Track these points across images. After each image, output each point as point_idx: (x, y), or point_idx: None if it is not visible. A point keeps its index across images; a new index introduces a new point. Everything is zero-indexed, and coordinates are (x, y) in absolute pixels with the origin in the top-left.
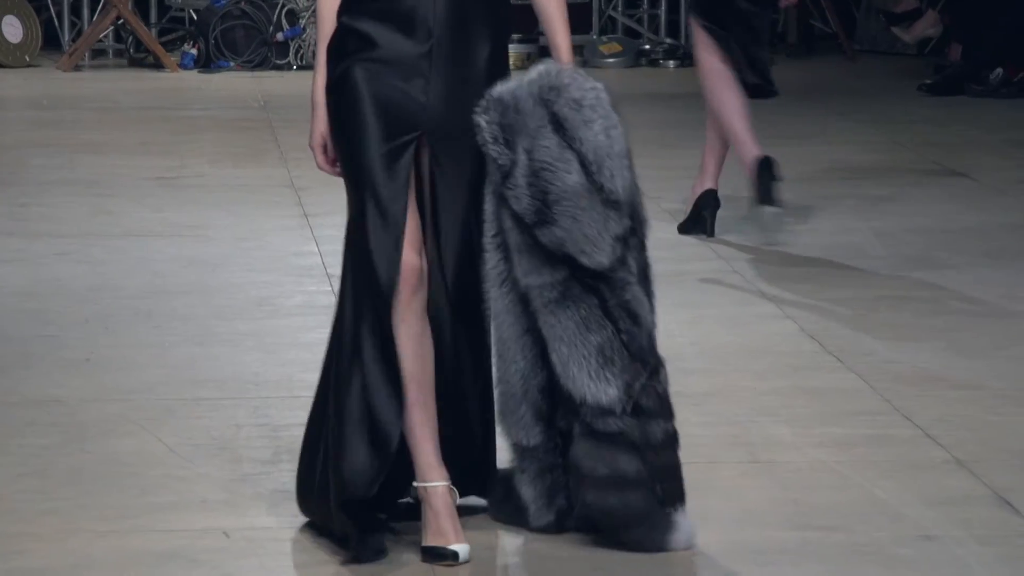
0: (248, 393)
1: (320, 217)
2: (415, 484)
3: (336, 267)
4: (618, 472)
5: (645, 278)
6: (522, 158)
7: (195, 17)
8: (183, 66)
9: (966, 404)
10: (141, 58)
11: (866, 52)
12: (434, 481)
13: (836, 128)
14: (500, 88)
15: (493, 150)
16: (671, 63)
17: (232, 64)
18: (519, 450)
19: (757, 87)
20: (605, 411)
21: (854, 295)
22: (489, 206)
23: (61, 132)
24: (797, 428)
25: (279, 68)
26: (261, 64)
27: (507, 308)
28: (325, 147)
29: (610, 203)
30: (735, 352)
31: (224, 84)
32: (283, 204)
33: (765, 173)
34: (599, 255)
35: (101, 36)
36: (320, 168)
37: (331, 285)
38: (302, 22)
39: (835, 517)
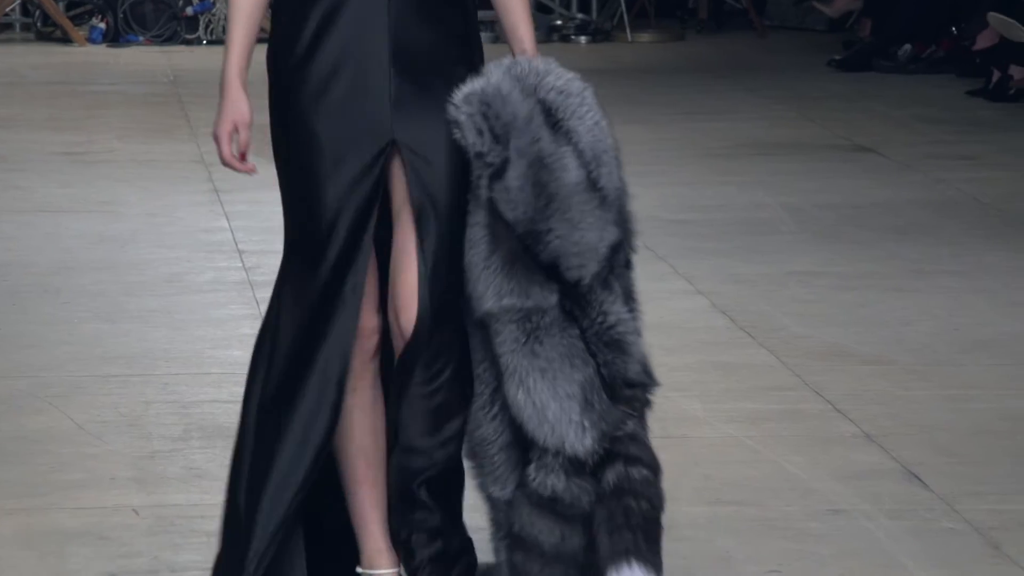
0: (158, 370)
1: (230, 193)
2: (360, 571)
3: (247, 243)
4: (558, 547)
5: (630, 297)
6: (514, 155)
7: None
8: (91, 40)
9: (875, 379)
10: (49, 32)
11: (776, 28)
12: (382, 568)
13: (747, 104)
14: (477, 80)
15: (479, 145)
16: (583, 39)
17: (141, 39)
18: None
19: None
20: (576, 464)
21: (765, 271)
22: (471, 223)
23: None
24: (709, 403)
25: (188, 43)
26: (170, 39)
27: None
28: (233, 136)
29: (606, 204)
30: (647, 328)
31: (133, 59)
32: (193, 180)
33: None
34: (591, 266)
35: (8, 9)
36: (226, 163)
37: (241, 261)
38: None
39: (746, 491)
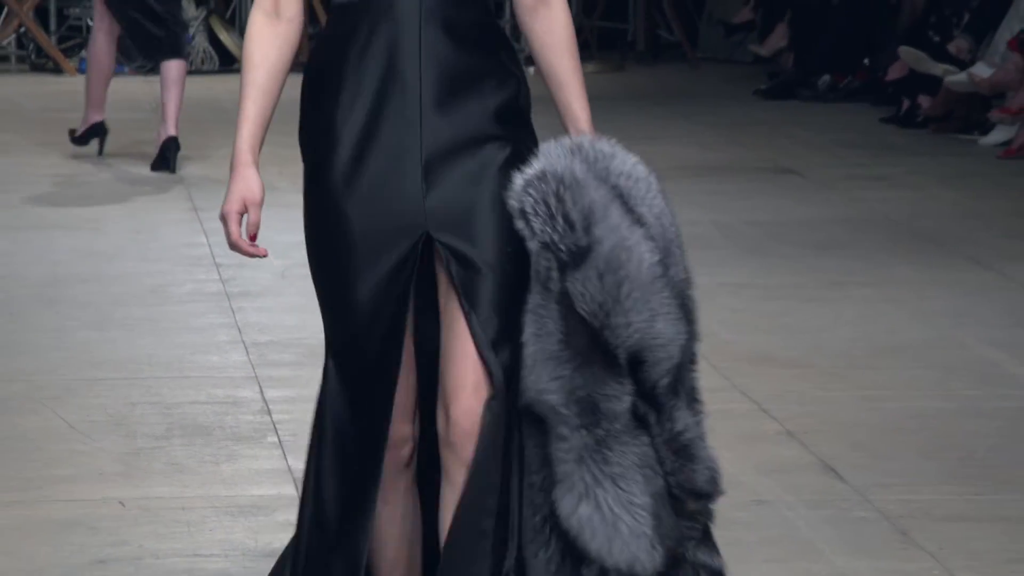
0: (142, 374)
1: (209, 211)
2: None
3: (224, 257)
4: None
5: (694, 399)
6: (594, 244)
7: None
8: (81, 71)
9: (797, 381)
10: (42, 63)
11: (708, 60)
12: None
13: (681, 129)
14: (538, 162)
15: (549, 234)
16: (531, 69)
17: (126, 69)
18: None
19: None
20: None
21: (697, 282)
22: (528, 319)
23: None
24: None
25: None
26: (153, 69)
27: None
28: (242, 216)
29: (677, 296)
30: None
31: (118, 88)
32: (174, 198)
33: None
34: (673, 359)
35: (4, 43)
36: (233, 247)
37: (219, 274)
38: (191, 31)
39: None
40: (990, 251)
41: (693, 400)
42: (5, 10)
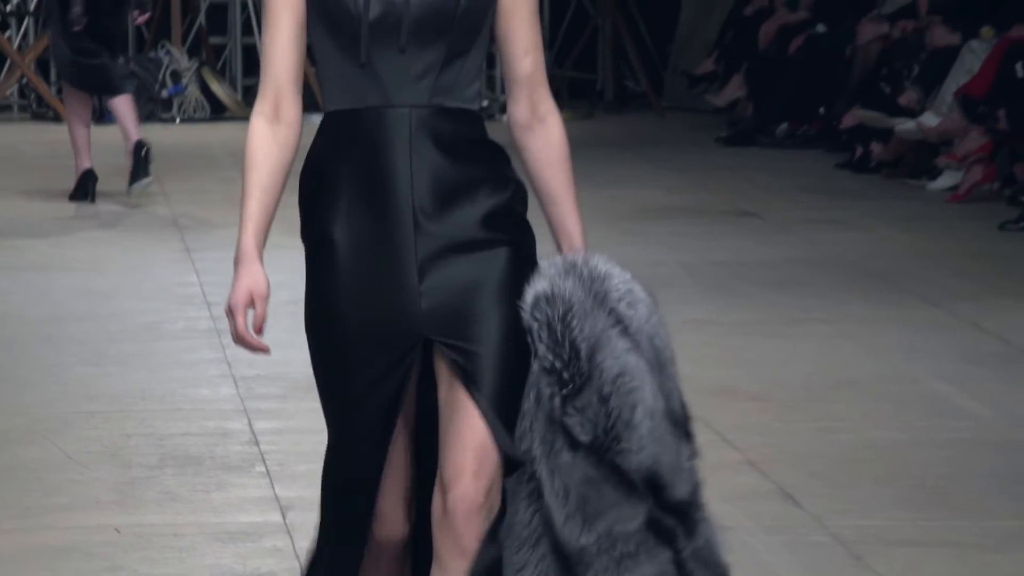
0: (136, 407)
1: (200, 252)
2: None
3: (215, 295)
4: None
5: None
6: (596, 372)
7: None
8: None
9: (758, 413)
10: (43, 112)
11: (672, 108)
12: None
13: (647, 174)
14: (540, 282)
15: (551, 360)
16: (504, 117)
17: None
18: None
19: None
20: None
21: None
22: (534, 438)
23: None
24: None
25: (164, 121)
26: (148, 118)
27: None
28: (248, 309)
29: (674, 418)
30: None
31: (115, 136)
32: (167, 240)
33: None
34: (683, 484)
35: (7, 93)
36: (238, 339)
37: (209, 312)
38: (184, 81)
39: None
40: (939, 290)
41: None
42: (8, 62)
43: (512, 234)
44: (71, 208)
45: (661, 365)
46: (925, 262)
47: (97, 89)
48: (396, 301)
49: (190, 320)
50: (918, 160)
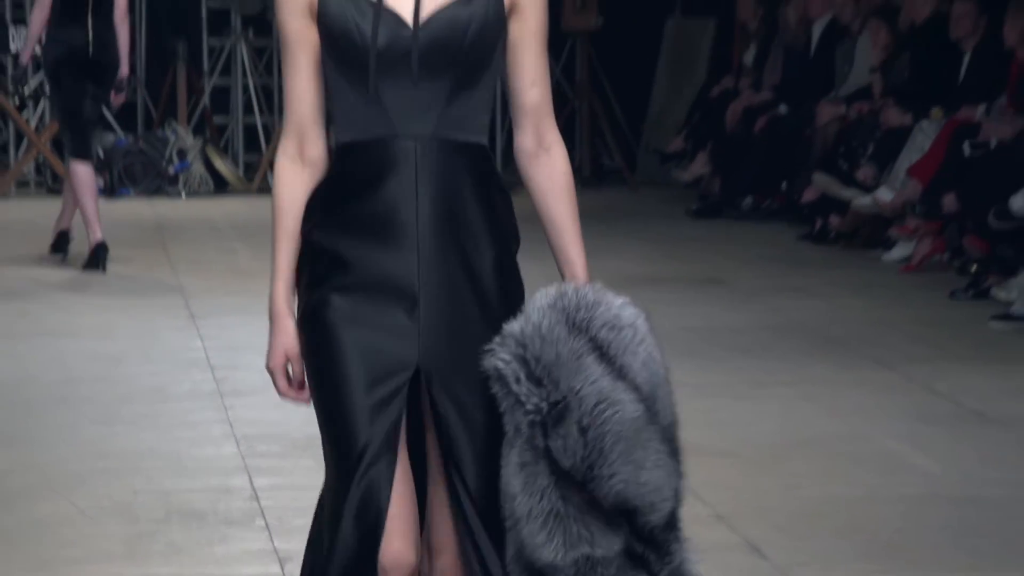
0: (144, 464)
1: (204, 318)
2: None
3: (218, 359)
4: None
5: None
6: (570, 398)
7: (102, 153)
8: None
9: (726, 469)
10: (58, 188)
11: (645, 183)
12: None
13: (622, 245)
14: (517, 320)
15: (518, 394)
16: None
17: (132, 192)
18: None
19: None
20: None
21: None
22: (513, 473)
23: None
24: None
25: (171, 196)
26: (156, 192)
27: None
28: (287, 369)
29: (667, 439)
30: None
31: (125, 208)
32: (173, 307)
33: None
34: (665, 505)
35: (24, 170)
36: (283, 396)
37: (213, 375)
38: (189, 158)
39: None
40: (894, 354)
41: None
42: (25, 141)
43: (509, 283)
44: (83, 277)
45: (654, 385)
46: (880, 328)
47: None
48: (394, 329)
49: (195, 383)
50: (873, 232)
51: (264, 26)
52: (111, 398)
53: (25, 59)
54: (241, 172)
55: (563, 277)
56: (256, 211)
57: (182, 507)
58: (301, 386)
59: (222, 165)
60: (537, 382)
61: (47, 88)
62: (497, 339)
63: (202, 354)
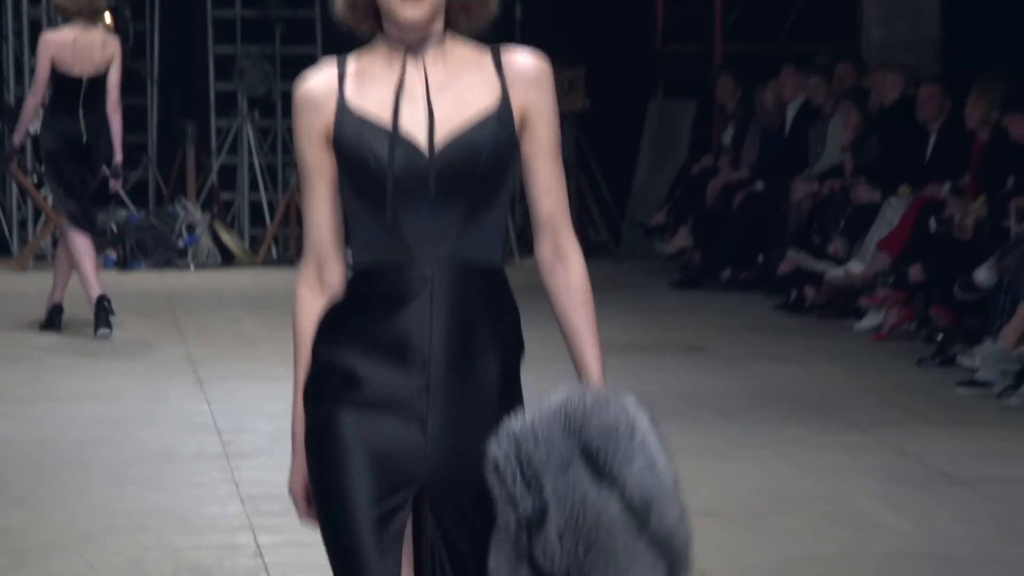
0: (153, 523)
1: (211, 383)
2: None
3: (223, 422)
4: None
5: None
6: (551, 502)
7: (115, 228)
8: (106, 266)
9: (708, 527)
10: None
11: (630, 256)
12: None
13: (608, 315)
14: (518, 421)
15: (512, 493)
16: None
17: (144, 264)
18: None
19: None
20: None
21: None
22: (499, 567)
23: (7, 321)
24: None
25: (180, 268)
26: (166, 264)
27: None
28: (309, 495)
29: (656, 541)
30: None
31: (137, 280)
32: (180, 372)
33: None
34: None
35: (42, 244)
36: (304, 519)
37: (219, 437)
38: (198, 232)
39: None
40: (866, 418)
41: None
42: (43, 216)
43: (512, 384)
44: (95, 345)
45: (650, 494)
46: (853, 393)
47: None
48: (402, 445)
49: (201, 445)
50: (846, 303)
51: (269, 108)
52: (120, 460)
53: (17, 141)
54: (247, 245)
55: (580, 381)
56: (261, 282)
57: (190, 563)
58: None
59: (229, 239)
60: (527, 484)
61: (45, 175)
62: (497, 437)
63: (209, 417)
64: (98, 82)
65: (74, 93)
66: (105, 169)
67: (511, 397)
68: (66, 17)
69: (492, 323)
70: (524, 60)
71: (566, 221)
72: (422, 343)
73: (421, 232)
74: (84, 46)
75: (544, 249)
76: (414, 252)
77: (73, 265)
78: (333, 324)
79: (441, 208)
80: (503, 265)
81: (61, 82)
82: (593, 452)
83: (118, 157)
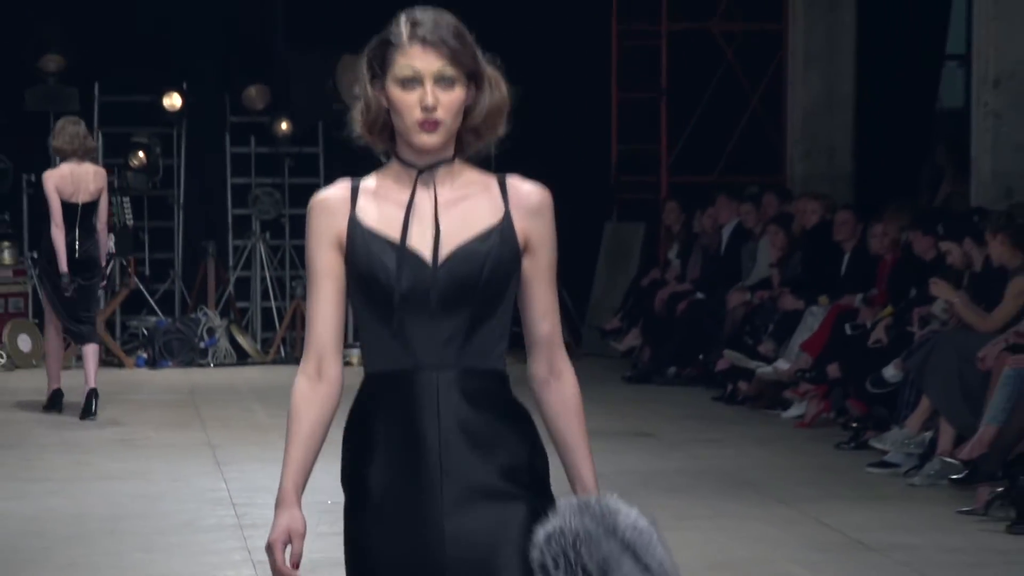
0: None
1: (228, 465)
2: None
3: (239, 499)
4: None
5: None
6: None
7: (145, 332)
8: (137, 365)
9: None
10: (109, 360)
11: (589, 354)
12: None
13: None
14: (554, 521)
15: None
16: None
17: (170, 363)
18: None
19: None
20: None
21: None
22: None
23: (53, 412)
24: None
25: (202, 366)
26: (190, 363)
27: None
28: (286, 546)
29: None
30: None
31: (164, 377)
32: (201, 457)
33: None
34: None
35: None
36: (277, 574)
37: (235, 511)
38: (216, 335)
39: None
40: (792, 494)
41: None
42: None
43: (531, 490)
44: (127, 431)
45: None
46: (780, 472)
47: (82, 339)
48: (423, 547)
49: (219, 517)
50: (774, 395)
51: (278, 230)
52: (151, 530)
53: (64, 268)
54: (259, 346)
55: (575, 492)
56: (272, 378)
57: None
58: (296, 565)
59: (244, 340)
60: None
61: (39, 286)
62: (545, 532)
63: (226, 494)
64: (90, 207)
65: (72, 216)
66: (103, 272)
67: (534, 490)
68: (63, 157)
69: (502, 422)
70: (528, 189)
71: (560, 342)
72: (432, 443)
73: (426, 341)
74: (79, 178)
75: (539, 367)
76: (420, 360)
77: (56, 356)
78: (357, 429)
79: (445, 318)
80: (505, 369)
81: (62, 207)
82: (632, 546)
83: (103, 263)
